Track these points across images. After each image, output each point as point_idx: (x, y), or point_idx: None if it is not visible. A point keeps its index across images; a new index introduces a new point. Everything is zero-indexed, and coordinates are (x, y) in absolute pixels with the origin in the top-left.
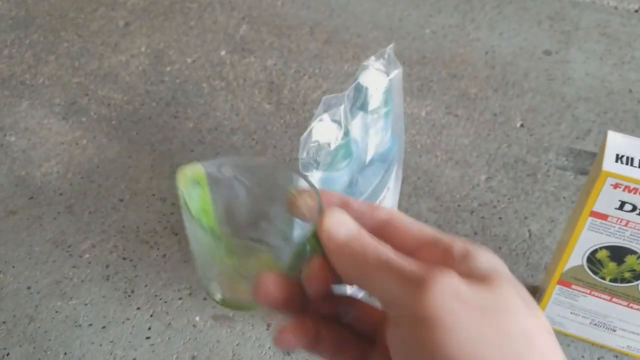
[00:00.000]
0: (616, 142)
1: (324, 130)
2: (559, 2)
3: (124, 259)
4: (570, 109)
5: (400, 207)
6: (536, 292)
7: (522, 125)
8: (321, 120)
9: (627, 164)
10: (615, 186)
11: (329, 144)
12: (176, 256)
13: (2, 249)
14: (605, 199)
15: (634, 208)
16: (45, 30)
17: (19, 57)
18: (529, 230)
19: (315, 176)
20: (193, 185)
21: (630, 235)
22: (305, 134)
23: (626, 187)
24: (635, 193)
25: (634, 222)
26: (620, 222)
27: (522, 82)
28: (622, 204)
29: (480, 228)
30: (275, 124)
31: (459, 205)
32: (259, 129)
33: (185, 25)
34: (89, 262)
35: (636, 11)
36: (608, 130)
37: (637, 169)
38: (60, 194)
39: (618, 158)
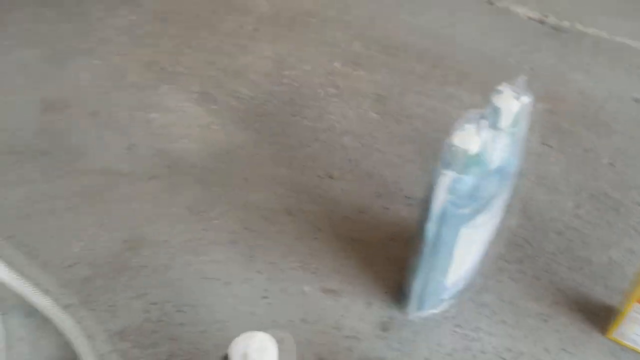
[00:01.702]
0: None
1: (464, 138)
2: None
3: (245, 228)
4: None
5: None
6: (612, 311)
7: (610, 164)
8: (463, 129)
9: None
10: None
11: (466, 150)
12: (291, 233)
13: (145, 206)
14: None
15: None
16: (183, 26)
17: (162, 46)
18: (609, 257)
19: (449, 176)
20: None
21: None
22: (449, 138)
23: None
24: None
25: None
26: None
27: (612, 124)
28: None
29: (565, 248)
30: (381, 131)
31: (547, 226)
32: (366, 134)
33: (305, 36)
34: (217, 228)
35: None
36: None
37: None
38: (194, 168)
39: None
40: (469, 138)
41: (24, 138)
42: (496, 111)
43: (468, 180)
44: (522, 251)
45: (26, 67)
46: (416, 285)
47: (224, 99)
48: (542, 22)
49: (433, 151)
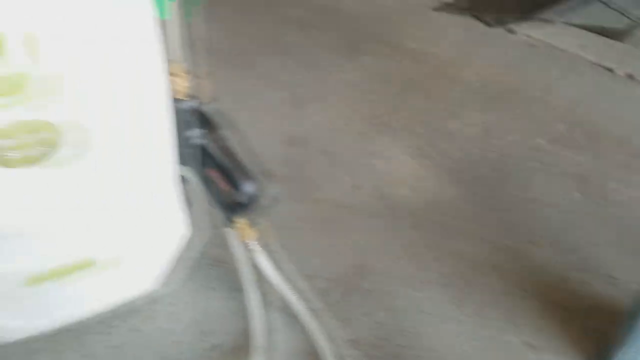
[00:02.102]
0: None
1: None
2: None
3: (456, 275)
4: None
5: None
6: None
7: None
8: None
9: None
10: None
11: None
12: (497, 287)
13: (369, 239)
14: None
15: None
16: (400, 87)
17: (382, 102)
18: None
19: None
20: None
21: None
22: None
23: None
24: None
25: None
26: None
27: None
28: None
29: None
30: (583, 212)
31: None
32: (569, 212)
33: (510, 110)
34: (431, 269)
35: None
36: None
37: None
38: (411, 215)
39: None
40: None
41: (271, 164)
42: None
43: None
44: None
45: (272, 107)
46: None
47: (436, 156)
48: None
49: (634, 238)
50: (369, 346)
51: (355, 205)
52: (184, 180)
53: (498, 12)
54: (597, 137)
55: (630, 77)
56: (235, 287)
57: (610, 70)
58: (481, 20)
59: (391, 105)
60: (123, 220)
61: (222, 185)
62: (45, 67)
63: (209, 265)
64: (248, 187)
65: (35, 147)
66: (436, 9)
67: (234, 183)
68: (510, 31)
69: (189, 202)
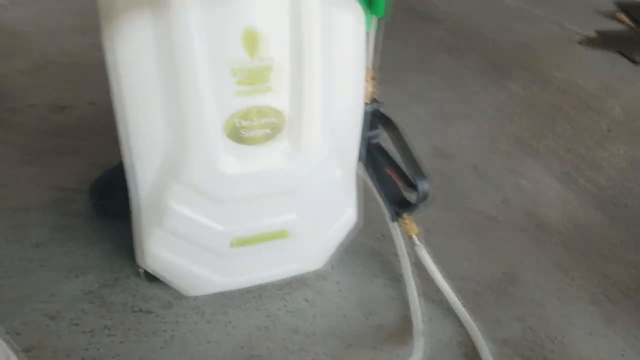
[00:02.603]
0: None
1: None
2: None
3: (604, 295)
4: None
5: None
6: None
7: None
8: None
9: None
10: None
11: None
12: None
13: (517, 251)
14: None
15: None
16: (546, 114)
17: (526, 125)
18: None
19: None
20: None
21: None
22: None
23: None
24: None
25: None
26: None
27: None
28: None
29: None
30: None
31: None
32: None
33: None
34: (578, 286)
35: None
36: None
37: None
38: (558, 232)
39: None
40: None
41: None
42: None
43: None
44: None
45: (420, 121)
46: None
47: (582, 182)
48: None
49: None
50: (520, 347)
51: (504, 218)
52: (360, 174)
53: None
54: None
55: None
56: (393, 277)
57: None
58: (626, 57)
59: (537, 130)
60: (311, 200)
61: (397, 181)
62: (281, 61)
63: (370, 254)
64: (423, 185)
65: (264, 129)
66: (580, 42)
67: (408, 181)
68: None
69: (362, 194)
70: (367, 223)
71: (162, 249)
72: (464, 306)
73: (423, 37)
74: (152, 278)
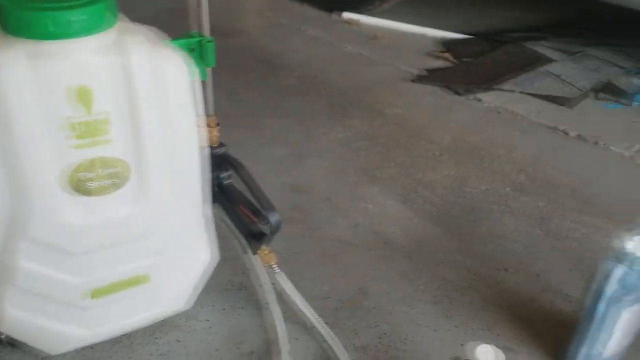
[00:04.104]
0: None
1: (634, 245)
2: None
3: (445, 295)
4: None
5: None
6: None
7: None
8: (632, 239)
9: None
10: None
11: (634, 253)
12: (477, 305)
13: (369, 268)
14: None
15: None
16: (386, 146)
17: (371, 158)
18: None
19: (620, 269)
20: None
21: None
22: (621, 238)
23: None
24: None
25: None
26: None
27: None
28: None
29: None
30: (544, 246)
31: None
32: (533, 245)
33: (480, 165)
34: (422, 292)
35: None
36: None
37: None
38: (403, 247)
39: None
40: (636, 245)
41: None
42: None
43: (634, 275)
44: None
45: (277, 161)
46: (579, 354)
47: (420, 201)
48: None
49: (587, 263)
50: (376, 351)
51: (354, 240)
52: (213, 214)
53: (467, 83)
54: (553, 187)
55: (580, 137)
56: (260, 306)
57: (564, 132)
58: (452, 90)
59: (378, 161)
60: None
61: (249, 217)
62: (117, 114)
63: (236, 289)
64: (274, 217)
65: (111, 178)
66: (413, 80)
67: (259, 215)
68: (478, 99)
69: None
70: (231, 260)
71: (17, 310)
72: (326, 323)
73: (277, 85)
74: (14, 342)
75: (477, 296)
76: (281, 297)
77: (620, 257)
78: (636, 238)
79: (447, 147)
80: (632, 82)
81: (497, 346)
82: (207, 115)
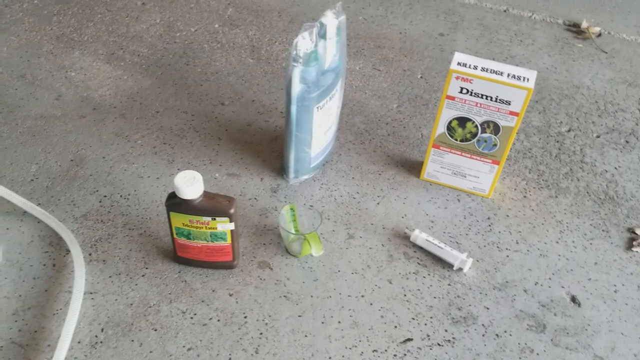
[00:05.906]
0: (459, 57)
1: (304, 42)
2: (451, 2)
3: (164, 143)
4: None
5: (342, 121)
6: (422, 164)
7: (421, 77)
8: (303, 37)
9: (464, 66)
10: (457, 78)
11: (306, 49)
12: (199, 143)
13: (81, 136)
14: (453, 87)
15: (468, 92)
16: (81, 6)
17: (66, 22)
18: (421, 134)
19: (298, 67)
20: (289, 209)
21: (468, 109)
22: (294, 42)
23: (463, 78)
24: (468, 82)
25: (469, 101)
26: (462, 101)
27: (423, 52)
28: (461, 89)
29: (392, 132)
30: (257, 71)
31: (379, 120)
32: (246, 74)
33: (187, 6)
34: (142, 145)
35: (504, 11)
36: (455, 51)
37: (469, 69)
38: (114, 107)
39: (459, 64)
40: (307, 41)
41: None
42: (323, 26)
43: (311, 71)
44: (361, 137)
45: None
46: (291, 159)
47: (127, 57)
48: None
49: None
50: (99, 214)
51: (59, 113)
52: None
53: None
54: (262, 14)
55: None
56: None
57: None
58: None
59: (74, 24)
60: None
61: None
62: None
63: None
64: None
65: None
66: None
67: None
68: None
69: None
70: None
71: None
72: (38, 204)
73: None
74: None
75: (197, 135)
76: None
77: (296, 57)
78: (304, 35)
79: None
80: None
81: (223, 174)
82: None
